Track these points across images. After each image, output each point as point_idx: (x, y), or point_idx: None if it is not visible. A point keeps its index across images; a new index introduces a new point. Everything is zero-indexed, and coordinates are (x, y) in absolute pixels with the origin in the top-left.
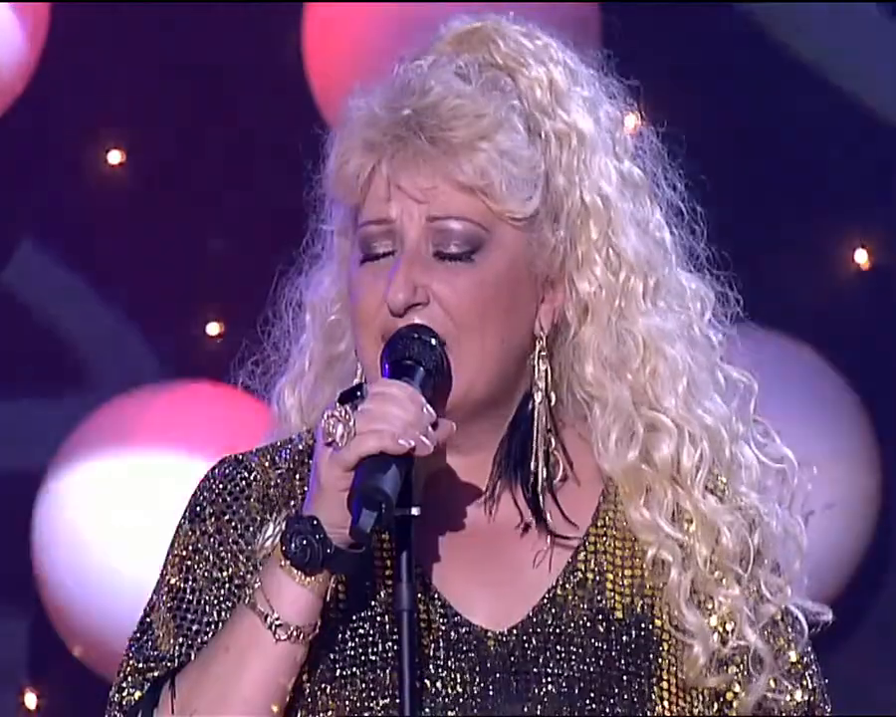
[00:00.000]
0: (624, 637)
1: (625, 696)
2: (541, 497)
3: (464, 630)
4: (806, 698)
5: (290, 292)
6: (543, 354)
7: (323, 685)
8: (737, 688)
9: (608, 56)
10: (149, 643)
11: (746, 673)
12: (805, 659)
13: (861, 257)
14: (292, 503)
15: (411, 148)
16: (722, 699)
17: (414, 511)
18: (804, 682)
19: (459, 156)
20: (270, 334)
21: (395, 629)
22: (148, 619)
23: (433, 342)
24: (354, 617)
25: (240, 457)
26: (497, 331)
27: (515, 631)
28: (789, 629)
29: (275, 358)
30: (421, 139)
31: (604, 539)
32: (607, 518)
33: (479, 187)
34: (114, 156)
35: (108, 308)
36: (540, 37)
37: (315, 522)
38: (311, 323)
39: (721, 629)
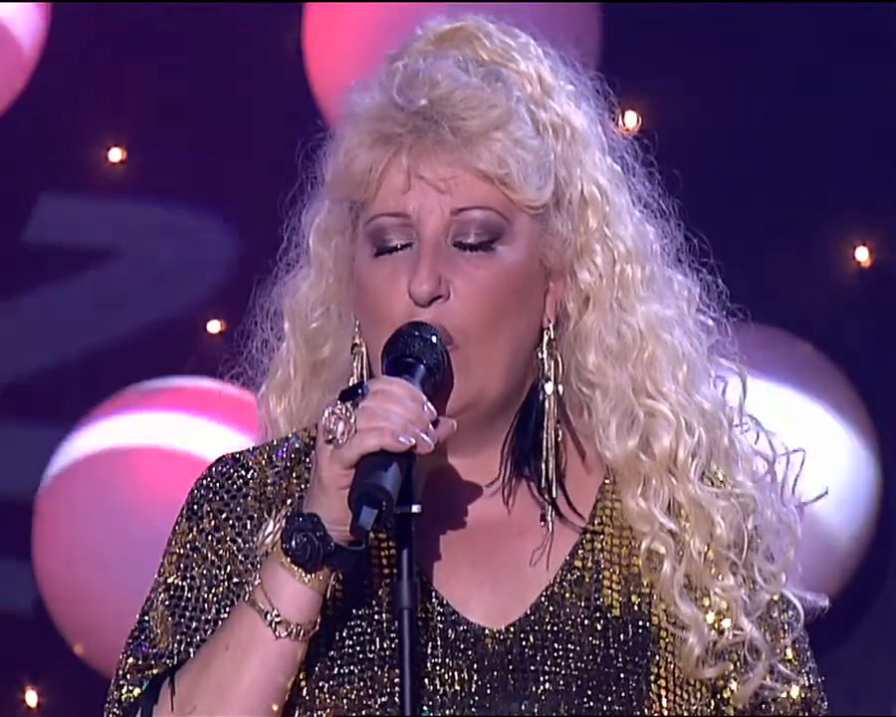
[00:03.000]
0: (622, 635)
1: (623, 694)
2: (554, 488)
3: (461, 628)
4: (803, 695)
5: (266, 299)
6: (551, 345)
7: (321, 683)
8: (733, 685)
9: (603, 54)
10: (148, 641)
11: (742, 663)
12: (802, 656)
13: (862, 254)
14: (289, 501)
15: (430, 138)
16: (719, 696)
17: (415, 508)
18: (801, 679)
19: (476, 145)
20: (247, 344)
21: (394, 627)
22: (146, 618)
23: (434, 339)
24: (353, 615)
25: (237, 455)
26: (509, 324)
27: (512, 629)
28: (784, 616)
29: (254, 370)
30: (444, 128)
31: (601, 536)
32: (605, 514)
33: (497, 176)
34: (115, 154)
35: (107, 304)
36: (519, 35)
37: (315, 519)
38: (290, 331)
39: (718, 624)
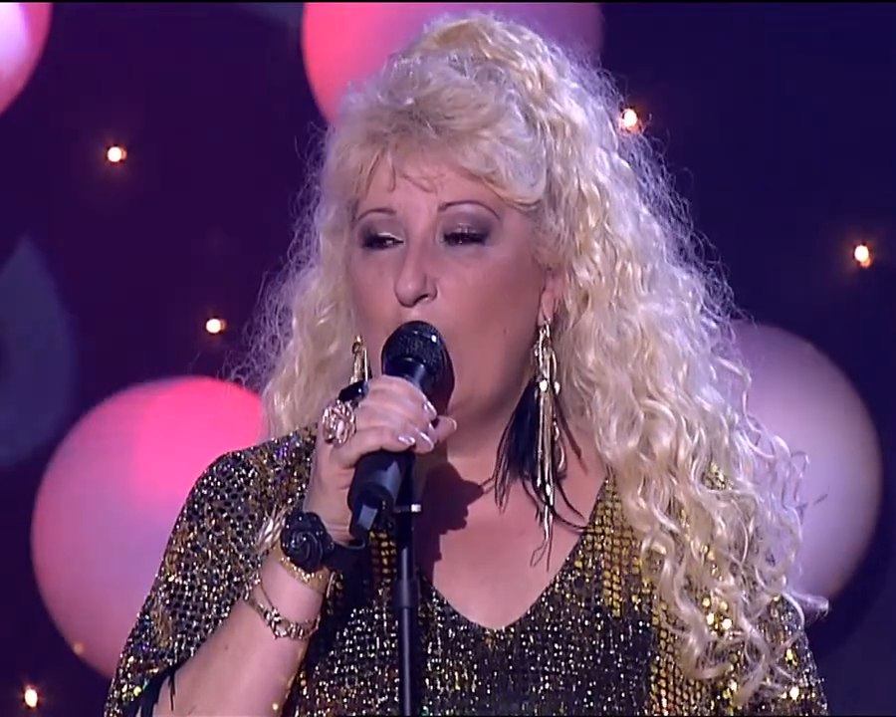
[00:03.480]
0: (622, 635)
1: (623, 694)
2: (548, 487)
3: (462, 628)
4: (803, 697)
5: (276, 296)
6: (547, 343)
7: (321, 683)
8: (733, 686)
9: (603, 54)
10: (148, 640)
11: (742, 664)
12: (802, 658)
13: (862, 254)
14: (289, 500)
15: (416, 138)
16: (719, 697)
17: (415, 508)
18: (801, 681)
19: (462, 144)
20: (255, 340)
21: (394, 627)
22: (147, 617)
23: (433, 338)
24: (353, 615)
25: (238, 455)
26: (499, 322)
27: (512, 630)
28: (784, 617)
29: (261, 365)
30: (427, 127)
31: (602, 537)
32: (605, 515)
33: (484, 175)
34: (115, 154)
35: (107, 305)
36: (525, 32)
37: (315, 518)
38: (298, 327)
39: (718, 625)
